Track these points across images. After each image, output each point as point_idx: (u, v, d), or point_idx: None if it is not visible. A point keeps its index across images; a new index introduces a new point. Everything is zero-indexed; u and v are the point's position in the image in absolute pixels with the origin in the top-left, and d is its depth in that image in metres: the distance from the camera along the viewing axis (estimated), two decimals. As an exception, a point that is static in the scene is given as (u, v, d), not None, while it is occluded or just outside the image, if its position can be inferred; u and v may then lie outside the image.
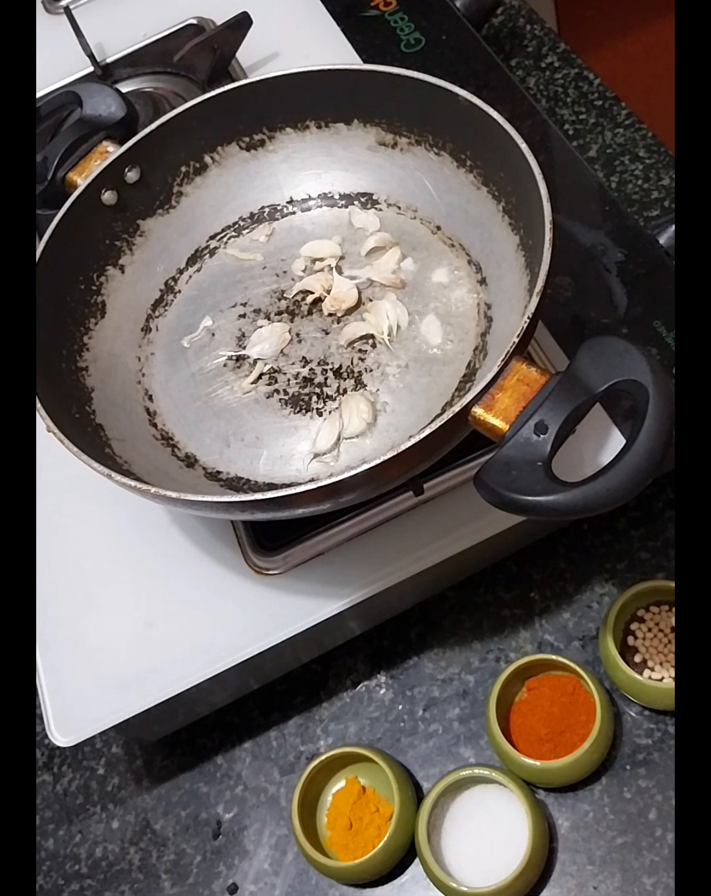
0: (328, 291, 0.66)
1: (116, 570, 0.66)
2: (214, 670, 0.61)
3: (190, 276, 0.70)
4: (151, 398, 0.65)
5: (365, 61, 0.85)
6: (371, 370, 0.63)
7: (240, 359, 0.65)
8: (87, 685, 0.63)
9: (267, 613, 0.62)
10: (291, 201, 0.71)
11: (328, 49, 0.87)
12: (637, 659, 0.62)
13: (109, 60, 0.96)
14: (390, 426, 0.61)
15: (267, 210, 0.71)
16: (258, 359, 0.65)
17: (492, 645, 0.67)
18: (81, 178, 0.65)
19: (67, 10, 0.97)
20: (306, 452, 0.61)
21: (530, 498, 0.47)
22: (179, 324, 0.68)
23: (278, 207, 0.71)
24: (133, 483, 0.52)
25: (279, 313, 0.66)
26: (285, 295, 0.67)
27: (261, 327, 0.66)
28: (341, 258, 0.68)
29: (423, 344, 0.63)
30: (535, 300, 0.51)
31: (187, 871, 0.65)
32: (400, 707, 0.66)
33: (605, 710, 0.59)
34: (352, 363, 0.63)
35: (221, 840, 0.65)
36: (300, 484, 0.49)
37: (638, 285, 0.69)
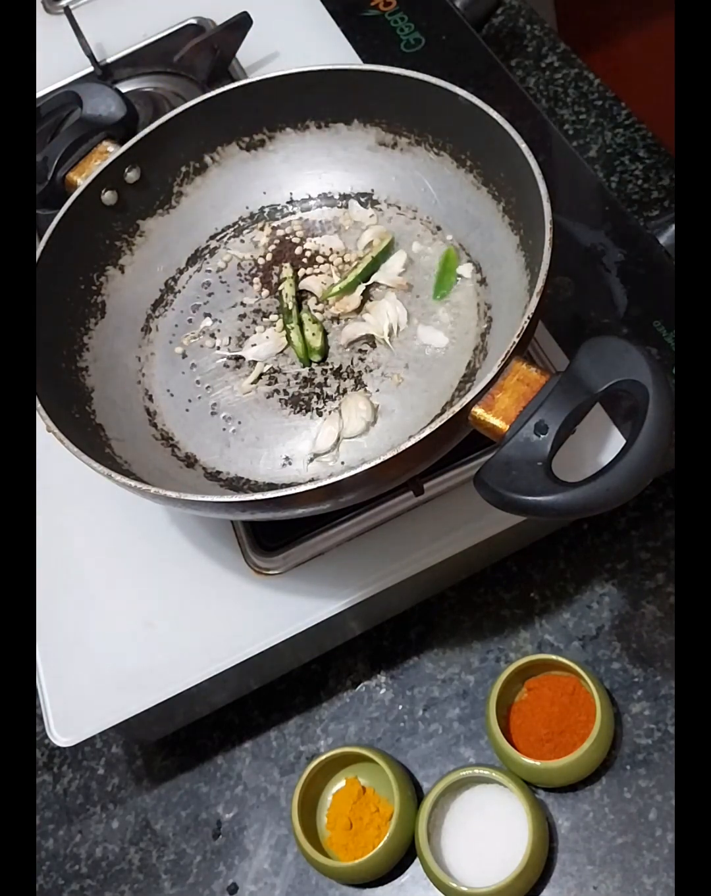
0: (326, 290, 0.66)
1: (116, 570, 0.66)
2: (214, 670, 0.61)
3: (190, 276, 0.70)
4: (151, 398, 0.65)
5: (365, 61, 0.84)
6: (371, 370, 0.63)
7: (240, 359, 0.65)
8: (87, 685, 0.63)
9: (267, 613, 0.62)
10: (291, 201, 0.71)
11: (328, 49, 0.87)
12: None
13: (109, 60, 0.96)
14: (390, 426, 0.61)
15: (267, 210, 0.71)
16: (258, 359, 0.65)
17: (492, 645, 0.67)
18: (81, 178, 0.65)
19: (67, 10, 0.97)
20: (306, 452, 0.61)
21: (530, 498, 0.47)
22: (179, 324, 0.68)
23: (278, 207, 0.71)
24: (133, 483, 0.52)
25: (279, 313, 0.66)
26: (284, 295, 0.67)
27: (261, 327, 0.66)
28: (342, 258, 0.68)
29: (423, 344, 0.63)
30: (535, 300, 0.51)
31: (187, 871, 0.65)
32: (400, 707, 0.66)
33: (605, 710, 0.59)
34: (352, 363, 0.63)
35: (221, 840, 0.65)
36: (300, 484, 0.49)
37: (638, 285, 0.69)
